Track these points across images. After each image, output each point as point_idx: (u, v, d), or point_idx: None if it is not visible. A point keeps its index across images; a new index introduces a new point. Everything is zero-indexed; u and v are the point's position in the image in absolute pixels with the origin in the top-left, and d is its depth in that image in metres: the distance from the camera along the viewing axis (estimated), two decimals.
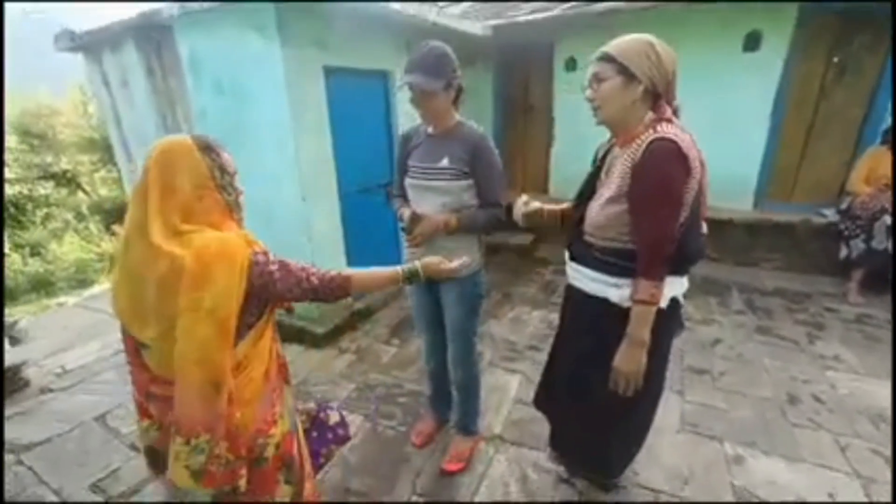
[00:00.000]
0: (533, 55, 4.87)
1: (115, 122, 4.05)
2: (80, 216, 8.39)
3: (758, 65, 3.86)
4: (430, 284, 1.81)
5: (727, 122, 4.07)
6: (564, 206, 1.68)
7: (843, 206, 3.56)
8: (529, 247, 4.78)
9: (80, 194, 9.61)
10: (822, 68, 3.80)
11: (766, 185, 4.23)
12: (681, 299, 1.42)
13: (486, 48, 4.43)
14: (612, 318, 1.36)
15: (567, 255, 1.55)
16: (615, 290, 1.35)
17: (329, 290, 1.18)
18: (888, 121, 3.49)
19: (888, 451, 1.97)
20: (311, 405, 1.60)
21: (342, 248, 3.29)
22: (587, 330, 1.49)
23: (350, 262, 3.38)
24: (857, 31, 3.60)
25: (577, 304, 1.52)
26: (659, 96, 1.25)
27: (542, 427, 2.10)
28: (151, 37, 3.20)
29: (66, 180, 9.52)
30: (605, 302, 1.38)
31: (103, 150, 9.35)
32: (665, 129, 1.21)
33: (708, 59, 3.97)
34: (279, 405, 1.27)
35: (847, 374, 2.53)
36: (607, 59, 1.25)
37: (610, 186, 1.32)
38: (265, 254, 1.11)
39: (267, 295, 1.11)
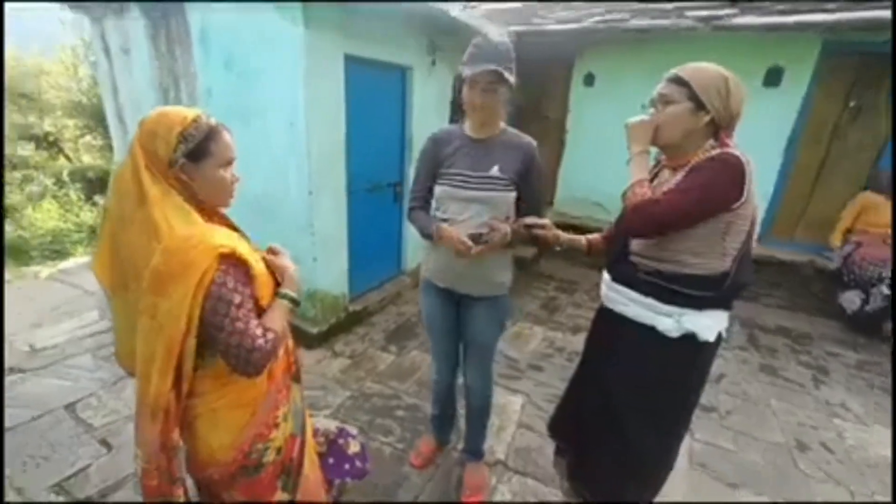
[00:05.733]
0: (552, 66, 4.80)
1: (111, 91, 3.80)
2: (60, 182, 7.96)
3: (777, 100, 3.85)
4: (452, 293, 1.67)
5: None
6: (592, 236, 1.61)
7: (846, 252, 3.55)
8: (531, 261, 4.70)
9: (62, 159, 9.17)
10: (839, 109, 3.82)
11: (772, 221, 4.23)
12: (724, 334, 1.35)
13: None
14: (656, 348, 1.30)
15: (608, 276, 1.45)
16: (665, 318, 1.27)
17: (259, 357, 0.99)
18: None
19: None
20: (332, 427, 1.47)
21: (345, 247, 3.14)
22: (627, 357, 1.39)
23: (352, 262, 3.24)
24: (876, 74, 3.62)
25: (615, 329, 1.42)
26: (720, 128, 1.22)
27: (548, 456, 2.00)
28: (160, 4, 3.00)
29: (48, 143, 9.08)
30: (650, 330, 1.30)
31: (91, 116, 8.95)
32: (733, 150, 1.19)
33: None
34: (284, 406, 1.20)
35: (854, 424, 2.49)
36: (679, 82, 1.22)
37: None
38: (231, 266, 0.96)
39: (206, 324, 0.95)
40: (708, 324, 1.26)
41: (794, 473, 2.11)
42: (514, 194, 1.52)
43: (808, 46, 3.68)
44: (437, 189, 1.57)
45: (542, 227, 1.50)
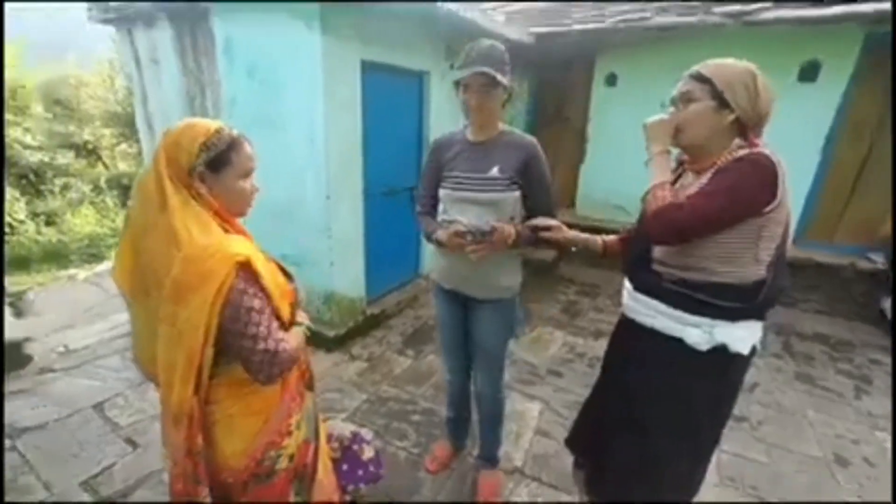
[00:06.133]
0: (573, 67, 4.73)
1: (141, 100, 3.95)
2: (97, 189, 8.34)
3: (813, 96, 3.67)
4: (458, 295, 1.65)
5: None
6: (608, 237, 1.54)
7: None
8: (551, 264, 4.61)
9: (100, 167, 9.61)
10: (883, 105, 3.60)
11: (808, 222, 4.02)
12: (758, 346, 1.26)
13: (526, 55, 4.29)
14: (684, 360, 1.22)
15: (629, 284, 1.38)
16: (693, 330, 1.19)
17: (281, 361, 1.01)
18: None
19: None
20: (346, 433, 1.47)
21: (362, 250, 3.16)
22: (651, 368, 1.31)
23: (369, 265, 3.25)
24: None
25: (639, 339, 1.34)
26: (747, 128, 1.14)
27: (566, 464, 1.94)
28: (186, 16, 3.09)
29: (87, 151, 9.53)
30: (677, 342, 1.22)
31: (126, 125, 9.35)
32: (763, 150, 1.10)
33: None
34: (297, 414, 1.20)
35: None
36: (701, 79, 1.14)
37: None
38: (250, 273, 0.97)
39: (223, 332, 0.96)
40: (742, 336, 1.18)
41: (832, 490, 1.98)
42: (516, 194, 1.50)
43: (848, 40, 3.48)
44: (441, 192, 1.58)
45: (550, 228, 1.45)
